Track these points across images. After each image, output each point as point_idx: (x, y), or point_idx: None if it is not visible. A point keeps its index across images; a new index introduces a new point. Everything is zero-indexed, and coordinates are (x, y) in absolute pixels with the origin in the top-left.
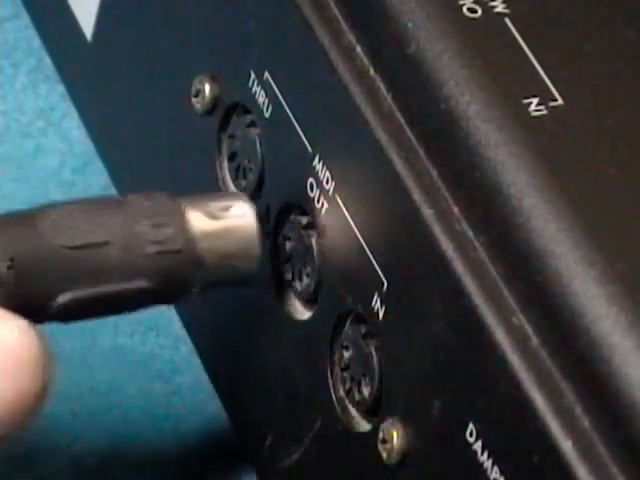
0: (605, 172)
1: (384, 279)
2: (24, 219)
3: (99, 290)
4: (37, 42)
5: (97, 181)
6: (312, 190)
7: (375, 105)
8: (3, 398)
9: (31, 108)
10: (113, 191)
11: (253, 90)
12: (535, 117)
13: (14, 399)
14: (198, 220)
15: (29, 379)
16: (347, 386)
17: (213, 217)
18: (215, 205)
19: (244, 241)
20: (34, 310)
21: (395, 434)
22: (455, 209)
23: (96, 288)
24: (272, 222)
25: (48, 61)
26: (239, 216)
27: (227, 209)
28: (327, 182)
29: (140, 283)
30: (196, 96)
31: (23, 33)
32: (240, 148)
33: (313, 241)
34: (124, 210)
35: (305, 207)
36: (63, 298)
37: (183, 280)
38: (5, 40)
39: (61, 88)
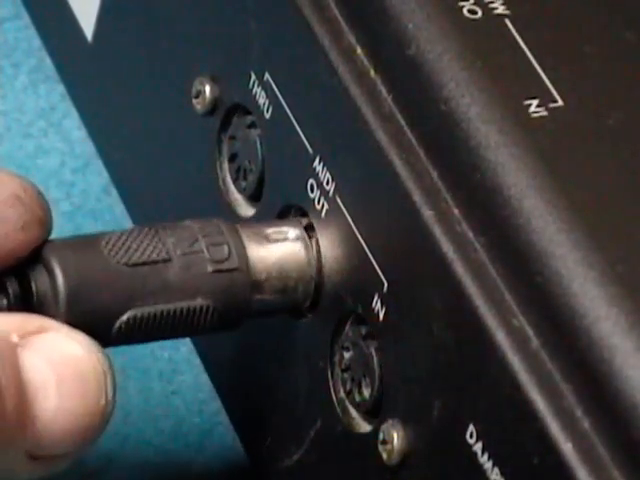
0: (605, 173)
1: (384, 280)
2: (86, 240)
3: (159, 308)
4: (37, 42)
5: (97, 181)
6: (312, 191)
7: (375, 106)
8: (70, 410)
9: (31, 108)
10: (113, 191)
11: (253, 91)
12: (535, 118)
13: (80, 412)
14: (253, 241)
15: (94, 394)
16: (347, 387)
17: (268, 240)
18: (270, 229)
19: (298, 264)
20: (97, 329)
21: (395, 435)
22: (455, 210)
23: (156, 306)
24: None
25: (48, 61)
26: (293, 239)
27: (282, 233)
28: (327, 183)
29: (199, 302)
30: (197, 97)
31: (23, 33)
32: (241, 149)
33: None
34: (182, 231)
35: (305, 208)
36: (124, 317)
37: (240, 300)
38: (5, 40)
39: (61, 88)
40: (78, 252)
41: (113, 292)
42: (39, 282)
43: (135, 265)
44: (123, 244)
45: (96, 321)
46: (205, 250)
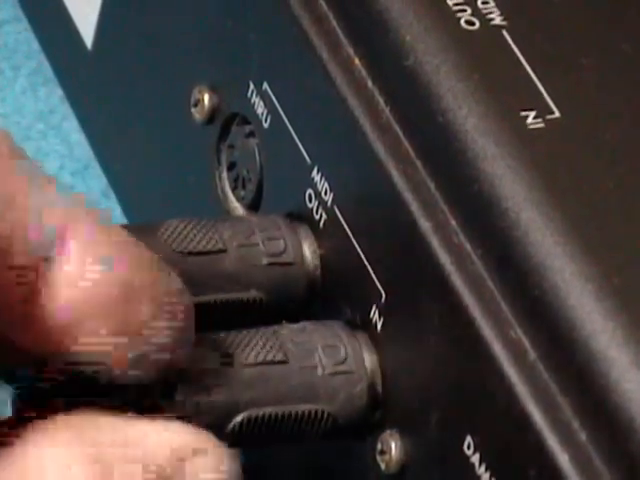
0: (602, 186)
1: (382, 291)
2: (145, 226)
3: (212, 297)
4: (37, 45)
5: (97, 184)
6: (311, 201)
7: (373, 117)
8: None
9: (31, 111)
10: (113, 195)
11: (252, 101)
12: (532, 130)
13: None
14: (309, 237)
15: None
16: None
17: None
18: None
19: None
20: None
21: (393, 445)
22: (453, 222)
23: (209, 296)
24: None
25: (48, 64)
26: None
27: None
28: (325, 193)
29: (252, 293)
30: (195, 106)
31: (23, 36)
32: (239, 158)
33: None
34: (239, 224)
35: (304, 217)
36: None
37: (295, 296)
38: (5, 43)
39: (61, 91)
40: (135, 236)
41: None
42: None
43: (191, 254)
44: (181, 233)
45: None
46: (261, 243)
